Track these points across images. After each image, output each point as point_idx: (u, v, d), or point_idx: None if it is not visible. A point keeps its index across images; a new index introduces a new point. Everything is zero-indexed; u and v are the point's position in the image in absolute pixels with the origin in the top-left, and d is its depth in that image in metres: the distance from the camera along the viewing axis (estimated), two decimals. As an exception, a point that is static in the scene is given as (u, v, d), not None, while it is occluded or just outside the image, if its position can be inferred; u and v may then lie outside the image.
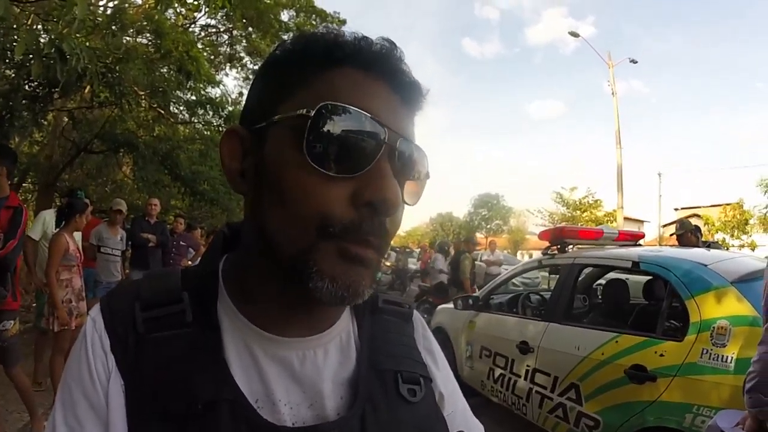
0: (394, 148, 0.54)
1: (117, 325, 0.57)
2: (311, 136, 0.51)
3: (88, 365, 0.56)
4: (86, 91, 7.87)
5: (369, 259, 0.54)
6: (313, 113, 0.52)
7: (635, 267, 3.44)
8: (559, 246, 4.24)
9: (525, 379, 3.80)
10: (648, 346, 3.00)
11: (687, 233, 5.76)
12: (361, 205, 0.52)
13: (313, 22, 11.69)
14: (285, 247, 0.54)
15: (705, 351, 2.72)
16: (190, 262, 7.73)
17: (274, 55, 0.60)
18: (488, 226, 40.45)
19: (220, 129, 11.27)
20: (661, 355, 2.90)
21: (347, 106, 0.52)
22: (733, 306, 2.79)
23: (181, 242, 7.65)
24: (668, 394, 2.79)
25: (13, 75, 6.38)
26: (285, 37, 11.40)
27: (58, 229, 4.37)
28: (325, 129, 0.51)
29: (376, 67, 0.56)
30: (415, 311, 0.76)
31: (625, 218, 19.88)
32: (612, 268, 4.24)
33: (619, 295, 4.25)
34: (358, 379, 0.61)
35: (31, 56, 4.32)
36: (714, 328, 2.74)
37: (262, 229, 0.56)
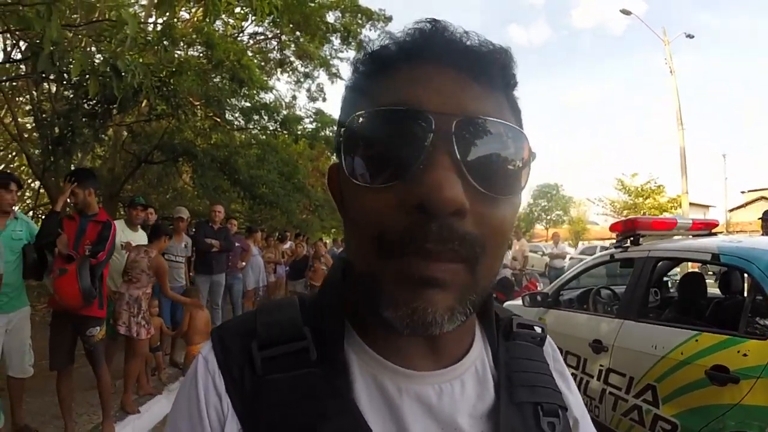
0: (450, 132, 0.45)
1: (232, 365, 0.53)
2: (346, 154, 0.49)
3: (199, 408, 0.52)
4: (143, 105, 8.17)
5: (439, 278, 0.45)
6: (343, 131, 0.49)
7: (715, 259, 3.21)
8: (632, 238, 4.03)
9: (598, 379, 3.64)
10: (730, 345, 2.79)
11: None
12: (412, 210, 0.44)
13: (360, 21, 11.72)
14: (358, 269, 0.50)
15: (792, 350, 2.51)
16: (243, 263, 7.89)
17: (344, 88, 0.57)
18: (548, 217, 39.65)
19: (276, 132, 11.49)
20: (745, 355, 2.69)
21: (375, 109, 0.47)
22: (821, 300, 2.57)
23: (236, 243, 7.73)
24: (751, 397, 2.58)
25: (72, 95, 6.70)
26: (333, 38, 11.52)
27: (149, 249, 4.62)
28: (354, 143, 0.48)
29: (421, 51, 0.50)
30: (548, 335, 0.71)
31: (691, 204, 18.89)
32: (690, 261, 3.99)
33: (697, 290, 4.02)
34: (497, 412, 0.56)
35: (87, 76, 4.52)
36: (802, 324, 2.53)
37: (349, 255, 0.54)
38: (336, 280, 0.59)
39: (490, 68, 0.51)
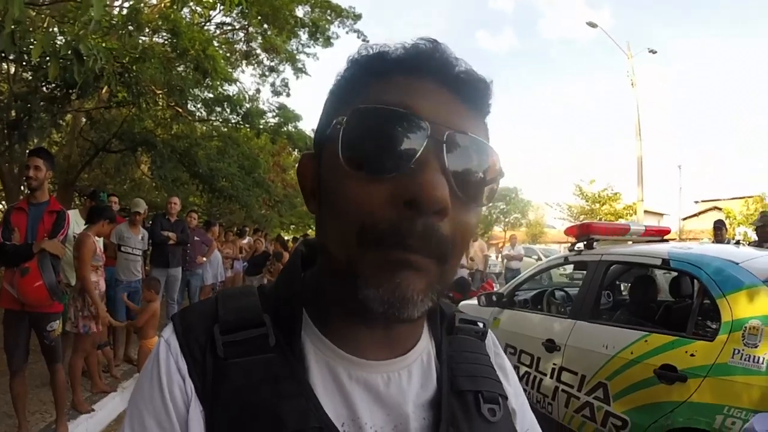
0: (441, 141, 0.50)
1: (194, 348, 0.55)
2: (345, 140, 0.51)
3: (161, 390, 0.54)
4: (104, 91, 7.94)
5: (415, 262, 0.49)
6: (345, 118, 0.51)
7: (665, 264, 3.37)
8: (585, 242, 4.16)
9: (551, 377, 3.74)
10: (678, 345, 2.92)
11: (766, 226, 6.04)
12: (401, 204, 0.48)
13: (329, 17, 11.66)
14: (335, 256, 0.53)
15: (737, 351, 2.65)
16: (204, 258, 7.77)
17: (333, 83, 0.60)
18: (507, 220, 40.19)
19: (238, 126, 11.33)
20: (692, 355, 2.82)
21: (381, 106, 0.51)
22: (765, 305, 2.70)
23: (195, 237, 7.65)
24: (699, 395, 2.72)
25: (31, 77, 6.48)
26: (301, 33, 11.43)
27: (83, 229, 4.42)
28: (357, 131, 0.51)
29: (421, 67, 0.54)
30: (489, 329, 0.75)
31: (645, 211, 19.59)
32: (641, 266, 4.14)
33: (648, 293, 4.17)
34: (440, 400, 0.60)
35: (47, 58, 4.35)
36: (746, 327, 2.66)
37: (322, 242, 0.56)
38: (295, 270, 0.63)
39: (477, 94, 0.56)
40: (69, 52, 3.83)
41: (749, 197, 21.93)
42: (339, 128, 0.51)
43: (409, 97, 0.51)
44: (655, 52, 19.49)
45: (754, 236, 7.26)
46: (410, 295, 0.49)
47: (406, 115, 0.50)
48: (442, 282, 0.53)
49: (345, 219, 0.50)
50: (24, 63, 5.71)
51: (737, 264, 3.00)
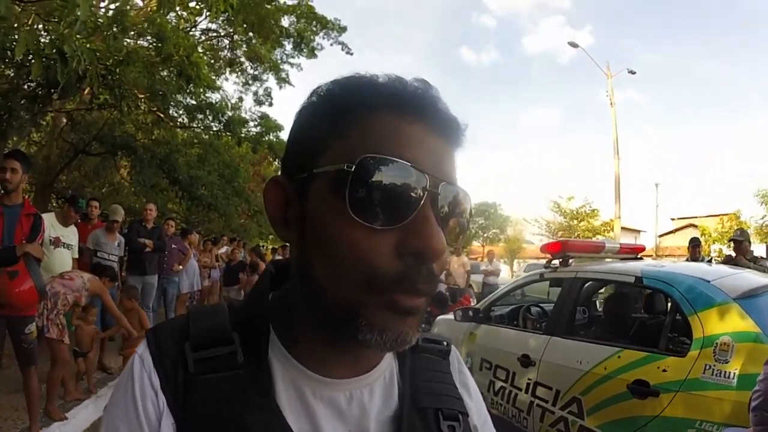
0: (437, 194, 0.54)
1: (166, 364, 0.57)
2: (353, 190, 0.51)
3: (135, 404, 0.56)
4: (86, 92, 7.86)
5: (418, 308, 0.54)
6: (354, 168, 0.52)
7: (638, 282, 3.42)
8: (561, 259, 4.22)
9: (526, 392, 3.76)
10: (651, 361, 2.97)
11: (746, 241, 6.28)
12: (406, 255, 0.52)
13: (314, 29, 11.71)
14: (334, 298, 0.54)
15: (708, 367, 2.70)
16: (181, 266, 7.68)
17: (311, 102, 0.60)
18: (485, 235, 40.48)
19: (219, 133, 11.27)
20: (664, 371, 2.87)
21: (388, 157, 0.52)
22: (735, 322, 2.78)
23: (173, 245, 7.56)
24: (671, 410, 2.76)
25: (13, 75, 6.38)
26: (286, 43, 11.44)
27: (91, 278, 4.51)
28: (366, 182, 0.51)
29: (414, 109, 0.55)
30: (453, 348, 0.77)
31: (623, 228, 19.96)
32: (615, 283, 4.21)
33: (621, 310, 4.22)
34: (401, 417, 0.62)
35: (31, 56, 4.31)
36: (717, 344, 2.72)
37: (310, 277, 0.57)
38: (263, 290, 0.65)
39: (460, 138, 0.60)
40: (53, 51, 3.79)
41: (724, 215, 22.45)
42: (346, 175, 0.52)
43: (408, 146, 0.53)
44: (635, 72, 20.05)
45: (728, 252, 7.52)
46: (409, 339, 0.54)
47: (412, 168, 0.52)
48: (425, 313, 0.57)
49: (350, 265, 0.52)
50: (6, 60, 5.62)
51: (709, 282, 3.07)
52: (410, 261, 0.52)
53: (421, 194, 0.52)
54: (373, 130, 0.54)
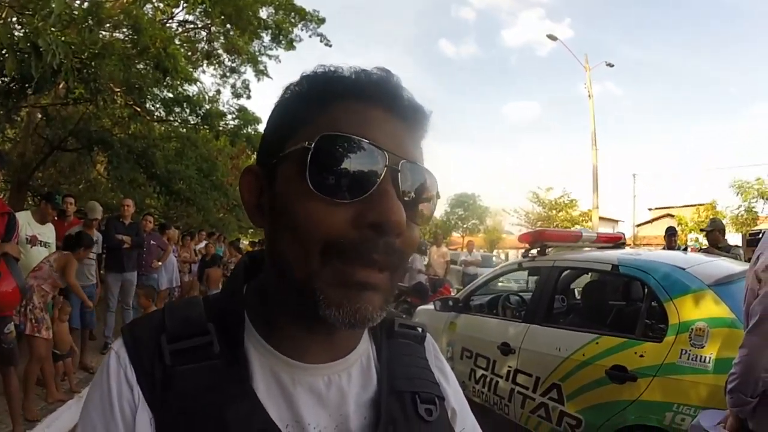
0: (397, 170, 0.56)
1: (142, 357, 0.58)
2: (313, 166, 0.54)
3: (111, 399, 0.56)
4: (61, 87, 7.68)
5: (375, 283, 0.55)
6: (313, 144, 0.54)
7: (614, 270, 3.49)
8: (539, 248, 4.28)
9: (507, 379, 3.83)
10: (628, 347, 3.05)
11: (716, 231, 6.40)
12: (364, 226, 0.53)
13: (293, 20, 11.60)
14: (294, 272, 0.56)
15: (684, 351, 2.78)
16: (160, 263, 7.59)
17: (283, 97, 0.63)
18: (465, 226, 40.64)
19: (197, 127, 11.13)
20: (641, 356, 2.95)
21: (345, 134, 0.55)
22: (710, 308, 2.85)
23: (152, 241, 7.45)
24: (648, 394, 2.84)
25: (-14, 69, 6.21)
26: (263, 34, 11.32)
27: (63, 252, 4.55)
28: (325, 158, 0.54)
29: (375, 95, 0.58)
30: (428, 334, 0.79)
31: (600, 218, 20.26)
32: (592, 271, 4.28)
33: (599, 297, 4.29)
34: (380, 400, 0.64)
35: (4, 51, 4.22)
36: (692, 329, 2.80)
37: (277, 256, 0.59)
38: (238, 281, 0.67)
39: (422, 123, 0.62)
40: (27, 45, 3.72)
41: (701, 205, 22.86)
42: (306, 153, 0.55)
43: (368, 127, 0.56)
44: (613, 65, 20.25)
45: (705, 242, 7.69)
46: (369, 315, 0.55)
47: (369, 144, 0.55)
48: (392, 291, 0.59)
49: (308, 237, 0.54)
50: (-21, 54, 5.49)
51: (684, 269, 3.15)
52: (368, 233, 0.53)
53: (382, 170, 0.55)
54: (337, 115, 0.57)
